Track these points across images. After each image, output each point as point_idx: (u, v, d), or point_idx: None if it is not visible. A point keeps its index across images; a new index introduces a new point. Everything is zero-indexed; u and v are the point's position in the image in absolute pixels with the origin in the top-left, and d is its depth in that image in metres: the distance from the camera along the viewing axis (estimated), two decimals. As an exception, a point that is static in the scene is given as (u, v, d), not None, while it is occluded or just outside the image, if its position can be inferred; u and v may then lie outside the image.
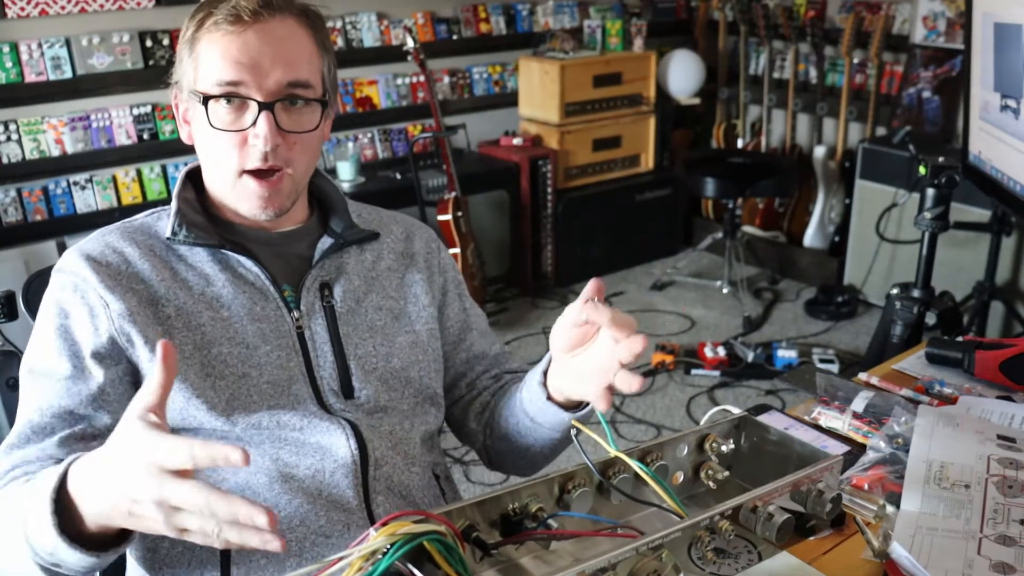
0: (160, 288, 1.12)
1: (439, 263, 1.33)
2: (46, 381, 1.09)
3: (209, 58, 1.09)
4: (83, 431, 1.08)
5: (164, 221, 1.17)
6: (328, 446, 1.13)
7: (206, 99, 1.09)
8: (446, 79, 4.25)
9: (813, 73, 4.42)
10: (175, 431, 1.11)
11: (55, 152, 3.33)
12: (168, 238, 1.14)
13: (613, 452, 0.99)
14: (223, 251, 1.15)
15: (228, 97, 1.09)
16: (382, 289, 1.25)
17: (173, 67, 1.15)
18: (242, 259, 1.16)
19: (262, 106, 1.09)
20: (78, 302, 1.10)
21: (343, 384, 1.18)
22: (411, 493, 1.18)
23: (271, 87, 1.09)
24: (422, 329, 1.27)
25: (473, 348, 1.35)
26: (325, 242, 1.22)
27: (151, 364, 1.09)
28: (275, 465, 1.11)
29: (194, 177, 1.21)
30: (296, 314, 1.17)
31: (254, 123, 1.09)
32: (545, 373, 1.19)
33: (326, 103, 1.16)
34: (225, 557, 1.10)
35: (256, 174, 1.12)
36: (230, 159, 1.11)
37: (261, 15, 1.08)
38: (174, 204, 1.16)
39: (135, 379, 1.11)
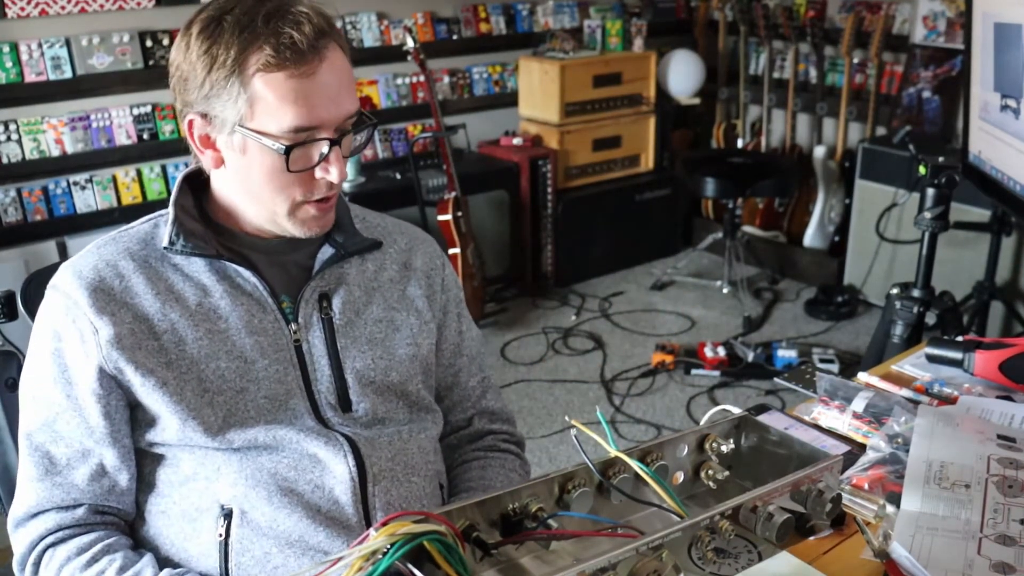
0: (156, 303, 1.11)
1: (442, 282, 1.31)
2: (47, 408, 1.11)
3: (276, 101, 1.04)
4: (99, 466, 1.11)
5: (162, 229, 1.16)
6: (326, 462, 1.12)
7: (289, 149, 1.05)
8: (446, 79, 4.25)
9: (813, 73, 4.42)
10: (173, 450, 1.12)
11: (55, 152, 3.33)
12: (165, 247, 1.13)
13: (613, 452, 0.99)
14: (221, 261, 1.14)
15: (305, 141, 1.06)
16: (383, 300, 1.23)
17: (184, 90, 1.08)
18: (240, 269, 1.14)
19: (333, 142, 1.08)
20: (69, 326, 1.10)
21: (340, 398, 1.17)
22: (411, 507, 1.17)
23: (339, 122, 1.08)
24: (423, 343, 1.26)
25: (459, 375, 1.34)
26: (326, 252, 1.20)
27: (143, 388, 1.09)
28: (273, 480, 1.11)
29: (191, 181, 1.19)
30: (294, 326, 1.16)
31: (324, 158, 1.08)
32: None
33: (376, 124, 1.16)
34: (224, 570, 1.10)
35: (316, 201, 1.12)
36: (294, 193, 1.10)
37: (317, 48, 1.04)
38: (171, 212, 1.14)
39: (129, 401, 1.11)
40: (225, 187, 1.16)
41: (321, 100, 1.05)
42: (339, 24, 3.84)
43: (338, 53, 1.08)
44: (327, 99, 1.06)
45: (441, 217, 3.66)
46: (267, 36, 1.02)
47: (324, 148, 1.08)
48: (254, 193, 1.12)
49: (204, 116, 1.08)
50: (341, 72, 1.08)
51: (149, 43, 3.43)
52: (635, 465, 0.98)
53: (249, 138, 1.06)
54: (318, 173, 1.10)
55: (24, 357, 1.17)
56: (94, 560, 1.08)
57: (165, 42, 3.46)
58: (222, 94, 1.05)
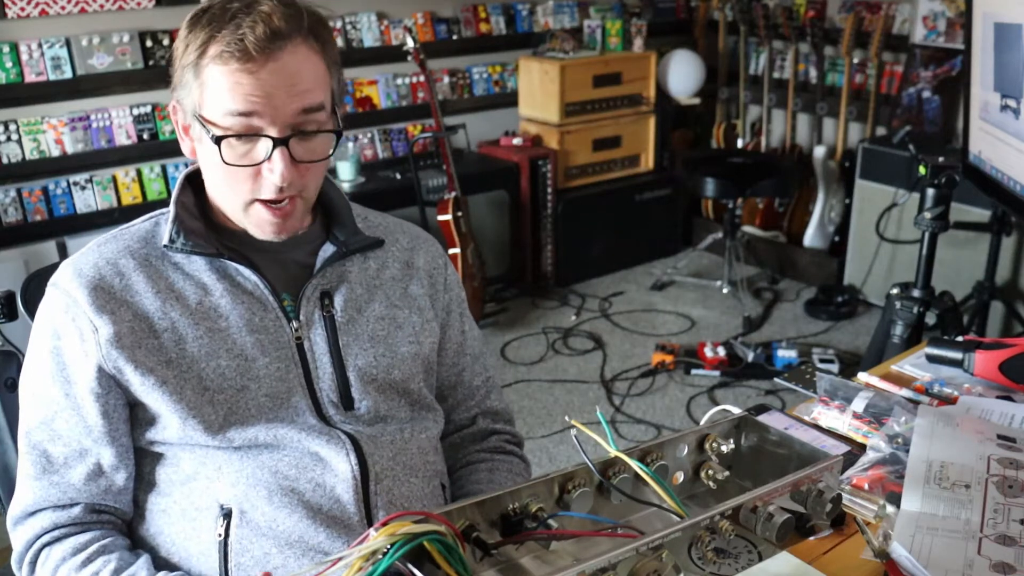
0: (156, 302, 1.11)
1: (445, 281, 1.31)
2: (45, 407, 1.11)
3: (218, 89, 1.05)
4: (97, 465, 1.11)
5: (163, 227, 1.16)
6: (328, 460, 1.12)
7: (218, 139, 1.06)
8: (446, 79, 4.25)
9: (813, 73, 4.42)
10: (173, 449, 1.11)
11: (55, 152, 3.33)
12: (166, 245, 1.13)
13: (613, 452, 0.99)
14: (221, 259, 1.14)
15: (241, 135, 1.06)
16: (385, 298, 1.23)
17: (173, 76, 1.11)
18: (241, 268, 1.14)
19: (276, 142, 1.06)
20: (69, 324, 1.10)
21: (342, 395, 1.17)
22: (413, 506, 1.17)
23: (285, 120, 1.06)
24: (425, 341, 1.25)
25: (463, 374, 1.34)
26: (327, 250, 1.20)
27: (143, 387, 1.09)
28: (275, 478, 1.10)
29: (193, 180, 1.19)
30: (295, 324, 1.16)
31: (268, 157, 1.07)
32: None
33: (340, 133, 1.13)
34: (224, 571, 1.10)
35: (268, 202, 1.11)
36: (241, 190, 1.10)
37: (270, 49, 1.03)
38: (172, 210, 1.15)
39: (129, 400, 1.11)
40: (210, 189, 1.17)
41: (261, 95, 1.04)
42: (339, 24, 3.85)
43: (300, 55, 1.06)
44: (268, 96, 1.04)
45: (441, 217, 3.65)
46: (227, 30, 1.04)
47: (269, 146, 1.07)
48: (214, 184, 1.14)
49: (179, 103, 1.11)
50: (294, 72, 1.05)
51: (149, 43, 3.43)
52: (635, 465, 0.98)
53: (202, 127, 1.08)
54: (264, 172, 1.08)
55: (24, 357, 1.17)
56: (89, 560, 1.08)
57: (165, 42, 3.46)
58: (184, 80, 1.08)
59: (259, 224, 1.13)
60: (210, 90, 1.05)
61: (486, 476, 1.29)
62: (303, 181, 1.10)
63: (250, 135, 1.06)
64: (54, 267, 1.17)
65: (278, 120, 1.06)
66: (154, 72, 3.44)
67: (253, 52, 1.03)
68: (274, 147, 1.06)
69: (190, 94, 1.08)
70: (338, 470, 1.11)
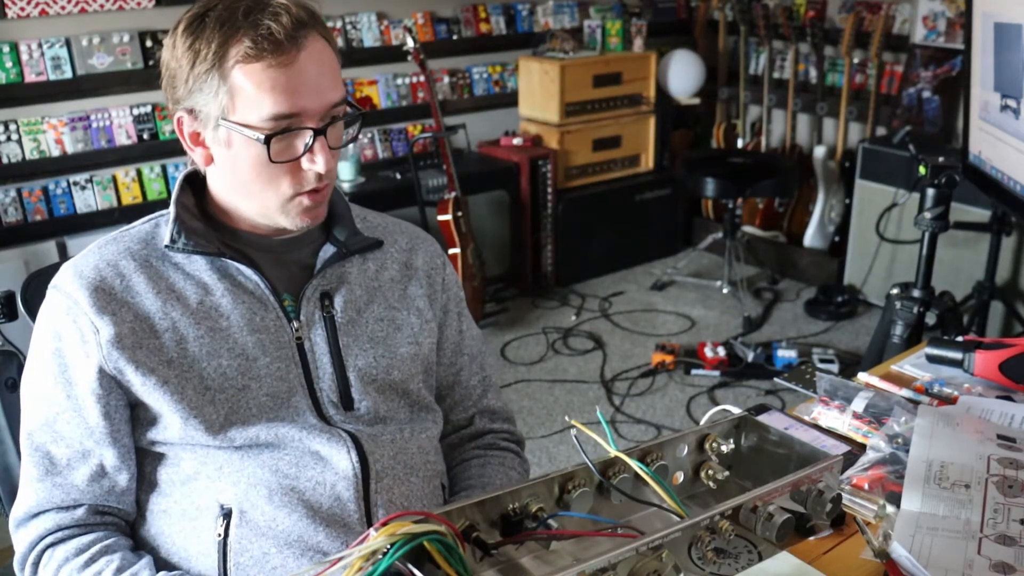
0: (157, 302, 1.11)
1: (443, 281, 1.31)
2: (47, 408, 1.11)
3: (255, 91, 1.04)
4: (100, 466, 1.11)
5: (163, 228, 1.16)
6: (329, 458, 1.12)
7: (268, 138, 1.05)
8: (446, 79, 4.25)
9: (813, 73, 4.42)
10: (174, 449, 1.11)
11: (55, 152, 3.33)
12: (167, 246, 1.13)
13: (613, 452, 0.99)
14: (222, 259, 1.14)
15: (286, 130, 1.06)
16: (384, 299, 1.23)
17: (173, 87, 1.09)
18: (242, 267, 1.14)
19: (317, 132, 1.07)
20: (70, 326, 1.10)
21: (342, 396, 1.17)
22: (413, 506, 1.17)
23: (322, 111, 1.08)
24: (425, 342, 1.26)
25: (460, 374, 1.34)
26: (327, 250, 1.20)
27: (144, 388, 1.09)
28: (275, 477, 1.10)
29: (192, 181, 1.19)
30: (296, 324, 1.16)
31: (308, 149, 1.08)
32: None
33: (363, 114, 1.15)
34: (223, 571, 1.10)
35: (308, 191, 1.12)
36: (282, 186, 1.10)
37: (298, 39, 1.04)
38: (172, 210, 1.15)
39: (130, 400, 1.11)
40: (218, 184, 1.16)
41: (300, 88, 1.05)
42: (339, 24, 3.86)
43: (320, 44, 1.08)
44: (307, 87, 1.06)
45: (441, 217, 3.65)
46: (246, 29, 1.04)
47: (308, 138, 1.08)
48: (244, 188, 1.13)
49: (191, 112, 1.10)
50: (322, 62, 1.07)
51: (149, 43, 3.43)
52: (635, 465, 0.98)
53: (233, 131, 1.07)
54: (304, 164, 1.09)
55: (24, 357, 1.17)
56: (92, 560, 1.08)
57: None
58: (204, 88, 1.06)
59: (300, 214, 1.13)
60: (244, 93, 1.05)
61: (477, 471, 1.29)
62: (332, 165, 1.12)
63: (294, 129, 1.07)
64: (54, 267, 1.17)
65: (317, 111, 1.07)
66: (154, 72, 3.43)
67: (285, 42, 1.03)
68: (314, 139, 1.07)
69: (214, 100, 1.06)
70: (339, 467, 1.12)
